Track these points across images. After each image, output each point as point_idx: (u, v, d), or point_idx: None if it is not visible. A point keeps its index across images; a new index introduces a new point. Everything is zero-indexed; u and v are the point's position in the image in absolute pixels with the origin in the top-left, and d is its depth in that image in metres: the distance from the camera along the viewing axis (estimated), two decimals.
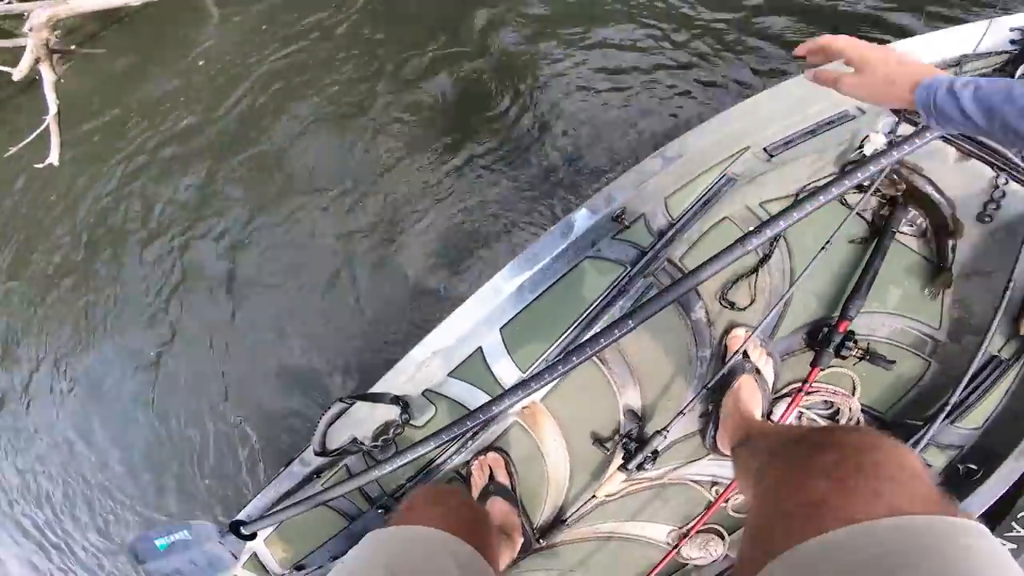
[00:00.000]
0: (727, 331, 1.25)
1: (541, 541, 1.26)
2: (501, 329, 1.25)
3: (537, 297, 1.25)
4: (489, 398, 1.05)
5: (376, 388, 1.26)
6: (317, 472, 1.31)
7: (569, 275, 1.25)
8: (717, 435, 1.22)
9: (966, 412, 1.15)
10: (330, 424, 1.28)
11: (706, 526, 1.23)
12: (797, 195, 1.30)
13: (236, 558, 1.01)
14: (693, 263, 1.26)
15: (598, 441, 1.27)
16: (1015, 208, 1.22)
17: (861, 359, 1.18)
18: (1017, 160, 1.19)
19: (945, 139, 1.24)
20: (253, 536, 1.04)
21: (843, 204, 1.30)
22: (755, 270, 1.26)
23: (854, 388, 1.21)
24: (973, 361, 1.09)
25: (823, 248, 1.11)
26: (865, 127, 1.27)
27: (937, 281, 1.24)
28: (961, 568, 0.40)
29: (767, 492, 0.60)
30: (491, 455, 1.30)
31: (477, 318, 1.23)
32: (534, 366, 1.25)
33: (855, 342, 1.16)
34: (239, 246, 2.48)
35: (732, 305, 1.26)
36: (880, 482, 0.48)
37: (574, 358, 0.77)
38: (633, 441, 1.20)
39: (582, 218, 1.25)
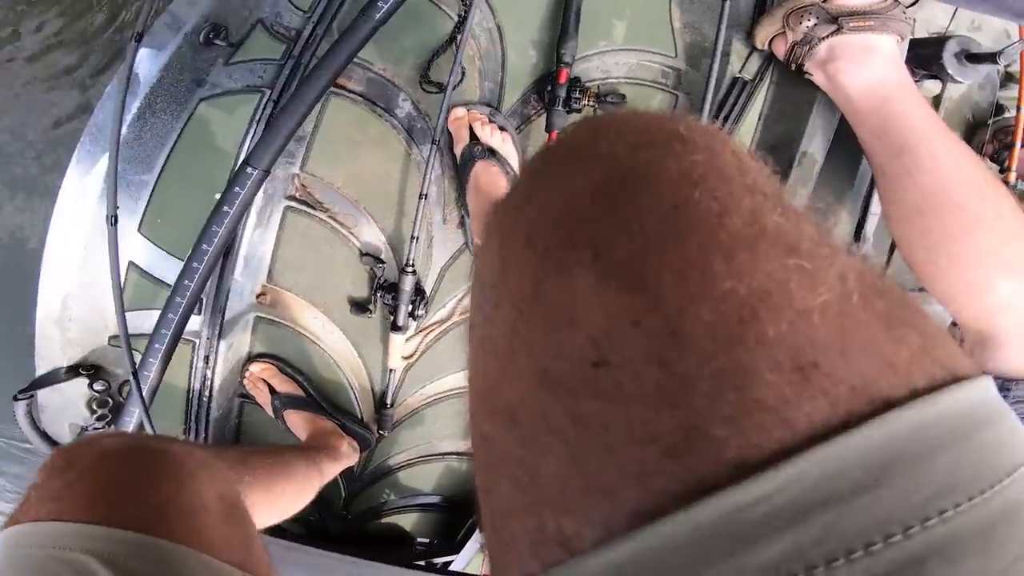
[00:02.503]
0: (447, 117, 0.98)
1: (382, 432, 1.14)
2: (140, 230, 0.91)
3: (160, 175, 0.88)
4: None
5: (39, 371, 0.95)
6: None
7: (184, 134, 0.87)
8: (473, 243, 1.05)
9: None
10: (33, 425, 1.00)
11: None
12: None
13: None
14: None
15: (356, 306, 1.08)
16: None
17: (595, 107, 0.96)
18: None
19: None
20: None
21: None
22: (452, 39, 0.94)
23: None
24: (708, 85, 0.91)
25: None
26: None
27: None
28: None
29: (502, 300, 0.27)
30: (254, 367, 1.08)
31: (86, 233, 0.87)
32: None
33: (584, 90, 0.93)
34: None
35: (440, 87, 0.96)
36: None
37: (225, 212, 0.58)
38: (387, 292, 1.03)
39: (148, 59, 0.82)
